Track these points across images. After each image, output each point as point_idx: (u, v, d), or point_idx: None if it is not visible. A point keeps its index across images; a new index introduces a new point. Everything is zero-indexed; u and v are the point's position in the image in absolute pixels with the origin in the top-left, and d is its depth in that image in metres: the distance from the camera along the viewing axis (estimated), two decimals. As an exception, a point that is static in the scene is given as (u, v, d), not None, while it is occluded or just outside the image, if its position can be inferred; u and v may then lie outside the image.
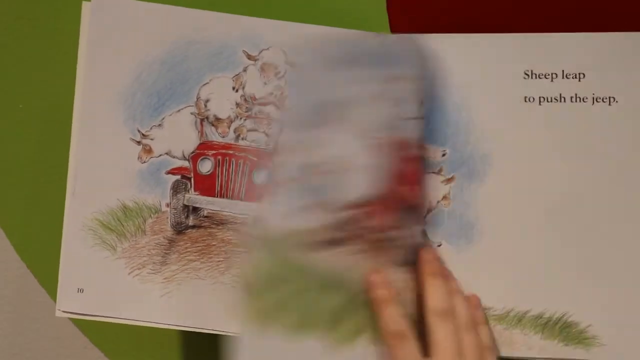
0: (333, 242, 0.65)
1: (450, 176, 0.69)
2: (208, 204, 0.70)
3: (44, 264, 0.79)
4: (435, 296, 0.65)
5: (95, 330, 0.81)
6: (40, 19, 0.79)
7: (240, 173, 0.70)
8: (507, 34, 0.68)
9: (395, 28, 0.75)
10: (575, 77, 0.68)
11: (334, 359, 0.65)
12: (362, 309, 0.65)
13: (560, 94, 0.68)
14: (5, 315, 0.80)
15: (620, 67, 0.68)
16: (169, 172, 0.70)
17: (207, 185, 0.71)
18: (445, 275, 0.67)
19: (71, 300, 0.69)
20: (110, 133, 0.70)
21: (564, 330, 0.69)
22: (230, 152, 0.70)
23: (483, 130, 0.69)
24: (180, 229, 0.70)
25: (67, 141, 0.69)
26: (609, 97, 0.68)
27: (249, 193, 0.70)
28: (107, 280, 0.69)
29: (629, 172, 0.68)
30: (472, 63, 0.69)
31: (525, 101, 0.68)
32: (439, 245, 0.69)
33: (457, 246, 0.69)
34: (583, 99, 0.68)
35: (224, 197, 0.70)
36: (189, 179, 0.71)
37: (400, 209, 0.67)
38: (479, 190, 0.69)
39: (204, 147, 0.70)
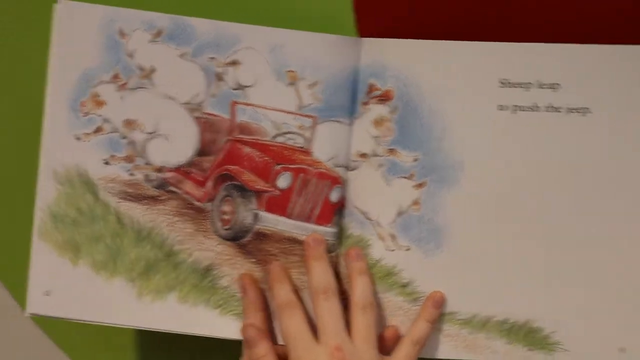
0: (151, 199, 0.69)
1: (421, 181, 0.69)
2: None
3: (9, 267, 0.80)
4: (313, 277, 0.68)
5: (60, 333, 0.82)
6: (11, 20, 0.79)
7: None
8: (483, 42, 0.68)
9: (363, 31, 0.75)
10: (551, 87, 0.68)
11: (140, 304, 0.70)
12: (175, 268, 0.70)
13: (535, 104, 0.68)
14: (-30, 319, 0.82)
15: (596, 78, 0.67)
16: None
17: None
18: (357, 256, 0.70)
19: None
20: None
21: (528, 335, 0.69)
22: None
23: (456, 137, 0.69)
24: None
25: (37, 144, 0.69)
26: (583, 108, 0.67)
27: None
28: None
29: (600, 182, 0.68)
30: (449, 70, 0.69)
31: (500, 109, 0.68)
32: (407, 250, 0.69)
33: (425, 250, 0.69)
34: (557, 109, 0.68)
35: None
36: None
37: (226, 185, 0.70)
38: (450, 197, 0.69)
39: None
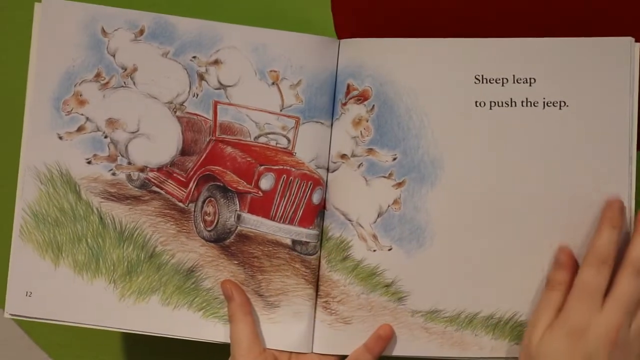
0: (134, 199, 0.69)
1: (401, 180, 0.69)
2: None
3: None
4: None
5: (40, 332, 0.82)
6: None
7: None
8: (457, 38, 0.69)
9: (341, 32, 0.77)
10: (526, 82, 0.68)
11: (122, 305, 0.69)
12: (158, 269, 0.70)
13: (511, 99, 0.69)
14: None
15: (571, 72, 0.68)
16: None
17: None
18: None
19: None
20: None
21: (514, 329, 0.69)
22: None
23: (434, 134, 0.69)
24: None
25: (18, 143, 0.70)
26: (560, 102, 0.68)
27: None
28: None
29: (579, 176, 0.68)
30: (423, 67, 0.69)
31: (477, 106, 0.69)
32: (390, 250, 0.69)
33: (407, 250, 0.69)
34: (534, 103, 0.68)
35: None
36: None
37: (208, 186, 0.70)
38: (430, 195, 0.69)
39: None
